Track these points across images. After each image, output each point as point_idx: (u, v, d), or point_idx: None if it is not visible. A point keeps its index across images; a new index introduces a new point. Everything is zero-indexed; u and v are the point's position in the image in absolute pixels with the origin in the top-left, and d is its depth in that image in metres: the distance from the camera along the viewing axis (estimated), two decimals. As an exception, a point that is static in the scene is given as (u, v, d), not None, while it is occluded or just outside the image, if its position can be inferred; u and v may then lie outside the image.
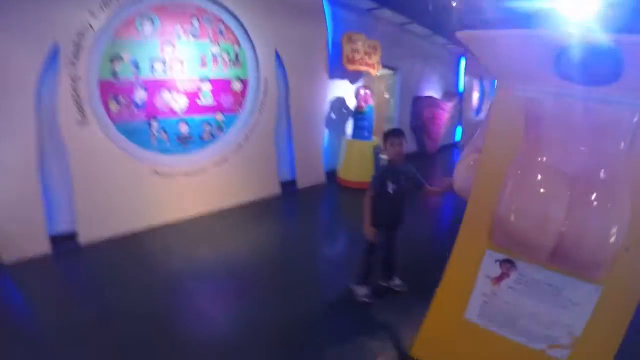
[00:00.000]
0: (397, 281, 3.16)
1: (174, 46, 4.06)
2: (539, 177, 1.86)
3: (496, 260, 2.14)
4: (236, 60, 4.69)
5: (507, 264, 2.13)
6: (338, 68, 6.35)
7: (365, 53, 6.74)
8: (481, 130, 2.66)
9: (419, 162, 9.29)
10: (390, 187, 2.83)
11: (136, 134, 3.94)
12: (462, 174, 2.47)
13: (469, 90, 13.12)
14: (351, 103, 6.96)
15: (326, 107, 6.46)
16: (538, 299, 2.07)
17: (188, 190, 4.36)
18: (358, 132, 6.61)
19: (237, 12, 4.53)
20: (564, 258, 1.85)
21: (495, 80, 2.07)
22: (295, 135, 5.81)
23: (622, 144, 1.73)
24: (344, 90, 6.89)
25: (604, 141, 1.77)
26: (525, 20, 7.17)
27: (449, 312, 2.34)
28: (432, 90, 10.65)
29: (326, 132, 6.64)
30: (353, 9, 6.58)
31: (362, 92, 6.46)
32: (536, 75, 1.90)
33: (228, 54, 4.58)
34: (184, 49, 4.16)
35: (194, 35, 4.22)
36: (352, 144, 6.47)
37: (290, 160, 5.91)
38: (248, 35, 4.72)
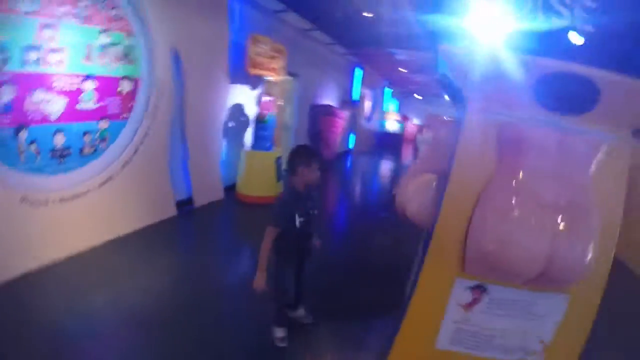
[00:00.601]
0: (301, 312, 3.14)
1: (55, 30, 3.44)
2: (523, 205, 1.97)
3: (467, 288, 2.25)
4: (127, 54, 4.22)
5: (479, 289, 2.25)
6: (238, 72, 6.20)
7: (270, 57, 6.72)
8: (431, 148, 2.81)
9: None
10: (298, 221, 2.63)
11: (-3, 148, 3.23)
12: (415, 198, 2.56)
13: (362, 98, 14.03)
14: (251, 111, 6.84)
15: (225, 115, 6.24)
16: (511, 317, 2.28)
17: (66, 220, 3.75)
18: (259, 142, 6.60)
19: (135, -3, 4.11)
20: (546, 280, 2.05)
21: (467, 104, 2.13)
22: (191, 146, 5.51)
23: (592, 172, 2.02)
24: (243, 96, 6.78)
25: (577, 169, 2.02)
26: (432, 37, 7.87)
27: (418, 344, 2.41)
28: (330, 99, 11.17)
29: (224, 142, 6.38)
30: (260, 9, 6.55)
31: (264, 99, 6.39)
32: (513, 100, 2.06)
33: (119, 46, 4.09)
34: (67, 35, 3.56)
35: (80, 18, 3.64)
36: (253, 155, 6.45)
37: (186, 176, 5.54)
38: (144, 26, 4.30)
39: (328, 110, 10.65)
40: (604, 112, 1.98)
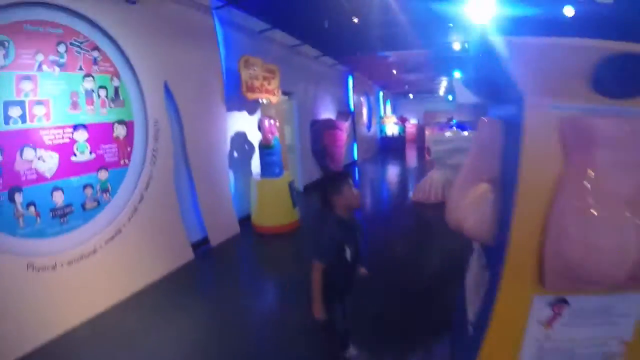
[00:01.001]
0: (353, 350, 2.83)
1: (34, 82, 3.19)
2: (604, 204, 1.77)
3: (547, 304, 2.08)
4: (116, 97, 3.96)
5: (560, 303, 2.09)
6: (234, 98, 5.97)
7: (264, 79, 6.48)
8: (476, 153, 2.55)
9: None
10: (349, 254, 2.41)
11: (-7, 216, 2.95)
12: (472, 212, 2.32)
13: (358, 107, 13.82)
14: (253, 137, 6.56)
15: (227, 145, 5.96)
16: (592, 324, 2.13)
17: (78, 283, 3.43)
18: (268, 169, 6.26)
19: (115, 34, 3.88)
20: (632, 281, 1.86)
21: (525, 99, 1.90)
22: (198, 183, 5.21)
23: None
24: (243, 123, 6.55)
25: None
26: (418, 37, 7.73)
27: None
28: (328, 112, 10.97)
29: (231, 174, 6.07)
30: (245, 31, 6.35)
31: (266, 123, 6.11)
32: (570, 91, 1.86)
33: (106, 89, 3.82)
34: (48, 85, 3.32)
35: (60, 66, 3.40)
36: (263, 183, 6.13)
37: (197, 215, 5.23)
38: (130, 64, 4.05)
39: (328, 124, 10.39)
40: None
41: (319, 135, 10.13)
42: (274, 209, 6.08)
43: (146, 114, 4.28)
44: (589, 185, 1.79)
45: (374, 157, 16.01)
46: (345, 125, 11.22)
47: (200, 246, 5.16)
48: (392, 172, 13.38)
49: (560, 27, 1.95)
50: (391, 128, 18.58)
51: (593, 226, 1.75)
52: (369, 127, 15.72)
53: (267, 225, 6.02)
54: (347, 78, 12.93)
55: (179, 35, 4.80)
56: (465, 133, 8.51)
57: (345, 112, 12.39)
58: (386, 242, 5.67)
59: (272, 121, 6.21)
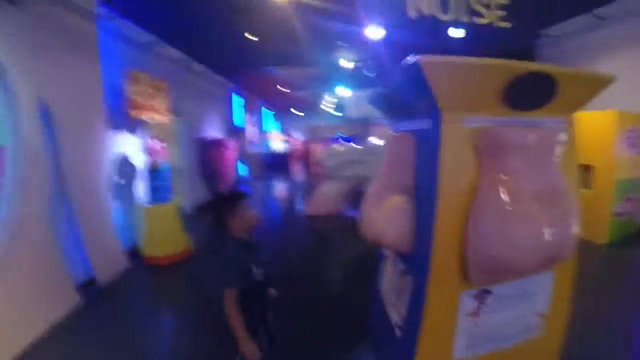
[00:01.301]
0: None
1: None
2: (517, 202, 2.04)
3: (472, 297, 2.31)
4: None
5: (483, 294, 2.34)
6: (118, 117, 5.42)
7: (151, 96, 5.99)
8: (388, 167, 2.69)
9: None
10: (257, 273, 2.36)
11: None
12: (390, 225, 2.45)
13: (244, 124, 13.66)
14: (139, 160, 5.99)
15: (109, 170, 5.32)
16: (513, 307, 2.45)
17: None
18: (156, 194, 5.78)
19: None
20: (545, 266, 2.22)
21: (441, 114, 2.10)
22: (79, 215, 4.51)
23: (555, 157, 2.21)
24: (127, 145, 5.91)
25: (548, 158, 2.19)
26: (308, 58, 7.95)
27: None
28: (214, 130, 10.58)
29: (116, 202, 5.45)
30: (131, 43, 5.75)
31: (153, 144, 5.64)
32: (482, 105, 2.13)
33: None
34: None
35: None
36: (152, 210, 5.68)
37: (80, 252, 4.53)
38: (3, 75, 3.38)
39: (216, 143, 10.07)
40: (559, 102, 2.21)
41: (206, 155, 9.74)
42: (165, 237, 5.66)
43: (18, 137, 3.60)
44: (502, 187, 2.05)
45: (261, 175, 15.91)
46: (232, 143, 10.98)
47: (88, 287, 4.48)
48: (281, 188, 13.47)
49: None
50: (277, 144, 18.69)
51: (509, 222, 2.00)
52: (254, 144, 15.60)
53: (158, 255, 5.56)
54: (233, 95, 12.70)
55: (58, 44, 4.18)
56: (356, 146, 8.88)
57: (231, 130, 12.13)
58: (286, 258, 5.71)
59: (159, 142, 5.76)
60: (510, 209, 2.01)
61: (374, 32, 6.37)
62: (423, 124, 2.35)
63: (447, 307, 2.31)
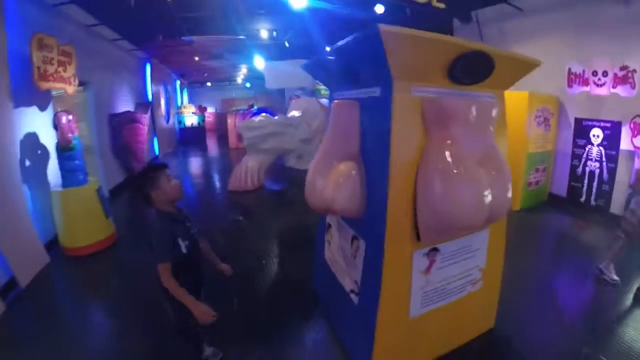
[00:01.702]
0: (209, 351, 2.84)
1: None
2: (461, 165, 2.23)
3: (423, 255, 2.53)
4: None
5: (433, 252, 2.57)
6: (23, 89, 4.66)
7: (60, 64, 5.25)
8: (332, 135, 2.75)
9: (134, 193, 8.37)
10: (184, 246, 2.32)
11: None
12: (341, 191, 2.51)
13: (157, 97, 12.72)
14: (48, 138, 5.27)
15: (16, 151, 4.59)
16: (458, 263, 2.75)
17: None
18: (70, 176, 5.16)
19: None
20: (486, 224, 2.47)
21: (394, 84, 2.23)
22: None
23: (492, 128, 2.48)
24: (34, 121, 5.14)
25: (486, 127, 2.44)
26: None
27: (395, 324, 2.59)
28: (126, 104, 9.70)
29: (25, 188, 4.75)
30: (37, 3, 4.92)
31: (64, 119, 5.00)
32: (430, 77, 2.31)
33: None
34: None
35: None
36: (67, 195, 5.04)
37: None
38: None
39: (129, 118, 9.17)
40: (494, 79, 2.50)
41: (119, 131, 8.88)
42: (85, 225, 5.10)
43: None
44: (447, 151, 2.25)
45: (176, 151, 15.00)
46: (146, 118, 10.15)
47: (9, 292, 3.89)
48: (199, 164, 12.86)
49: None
50: (190, 118, 17.67)
51: (455, 183, 2.21)
52: (167, 118, 14.60)
53: (80, 245, 5.02)
54: (145, 65, 11.63)
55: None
56: (275, 118, 8.78)
57: (144, 104, 11.17)
58: (214, 235, 5.52)
59: (70, 117, 5.10)
60: (456, 170, 2.21)
61: (297, 1, 6.22)
62: (371, 92, 2.46)
63: (402, 267, 2.48)
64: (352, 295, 2.84)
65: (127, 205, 7.88)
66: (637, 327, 3.21)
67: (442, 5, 4.30)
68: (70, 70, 5.58)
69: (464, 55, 2.24)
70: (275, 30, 9.92)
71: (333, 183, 2.53)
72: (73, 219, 4.98)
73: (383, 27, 1.95)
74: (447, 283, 2.74)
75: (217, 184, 9.69)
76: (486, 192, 2.25)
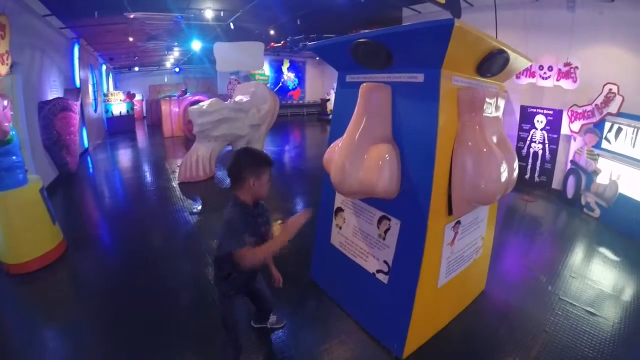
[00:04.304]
0: (273, 319, 3.16)
1: None
2: (490, 146, 2.54)
3: (451, 227, 2.82)
4: None
5: (457, 224, 2.89)
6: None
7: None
8: (365, 118, 2.77)
9: (70, 191, 7.73)
10: (248, 243, 2.19)
11: None
12: (382, 174, 2.60)
13: (84, 83, 11.35)
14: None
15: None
16: (470, 233, 3.12)
17: None
18: (8, 176, 4.23)
19: None
20: (502, 195, 2.72)
21: (442, 72, 2.45)
22: None
23: (501, 114, 2.97)
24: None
25: (497, 113, 2.91)
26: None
27: (428, 294, 2.78)
28: (55, 90, 8.51)
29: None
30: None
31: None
32: (463, 69, 2.62)
33: None
34: None
35: None
36: (6, 199, 4.19)
37: None
38: None
39: (60, 106, 8.03)
40: (503, 74, 2.96)
41: (50, 121, 7.72)
42: (30, 235, 4.33)
43: None
44: (478, 134, 2.55)
45: (105, 143, 13.59)
46: (77, 106, 8.99)
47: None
48: (136, 155, 11.77)
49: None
50: (118, 106, 16.03)
51: (486, 160, 2.49)
52: (95, 107, 13.12)
53: (25, 260, 4.26)
54: (73, 47, 10.25)
55: None
56: (226, 103, 8.46)
57: (72, 90, 9.88)
58: (169, 233, 5.38)
59: (5, 102, 4.19)
60: (485, 150, 2.50)
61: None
62: (411, 77, 2.60)
63: (438, 240, 2.73)
64: (380, 275, 2.93)
65: (67, 205, 6.89)
66: (579, 273, 4.29)
67: (442, 1, 4.13)
68: (4, 46, 4.61)
69: (492, 52, 2.55)
70: (223, 11, 9.27)
71: (373, 166, 2.60)
72: (14, 229, 4.24)
73: (458, 22, 2.10)
74: (462, 252, 3.06)
75: (165, 175, 8.88)
76: (506, 168, 2.56)
